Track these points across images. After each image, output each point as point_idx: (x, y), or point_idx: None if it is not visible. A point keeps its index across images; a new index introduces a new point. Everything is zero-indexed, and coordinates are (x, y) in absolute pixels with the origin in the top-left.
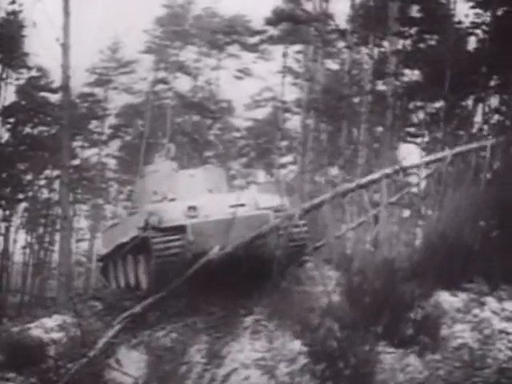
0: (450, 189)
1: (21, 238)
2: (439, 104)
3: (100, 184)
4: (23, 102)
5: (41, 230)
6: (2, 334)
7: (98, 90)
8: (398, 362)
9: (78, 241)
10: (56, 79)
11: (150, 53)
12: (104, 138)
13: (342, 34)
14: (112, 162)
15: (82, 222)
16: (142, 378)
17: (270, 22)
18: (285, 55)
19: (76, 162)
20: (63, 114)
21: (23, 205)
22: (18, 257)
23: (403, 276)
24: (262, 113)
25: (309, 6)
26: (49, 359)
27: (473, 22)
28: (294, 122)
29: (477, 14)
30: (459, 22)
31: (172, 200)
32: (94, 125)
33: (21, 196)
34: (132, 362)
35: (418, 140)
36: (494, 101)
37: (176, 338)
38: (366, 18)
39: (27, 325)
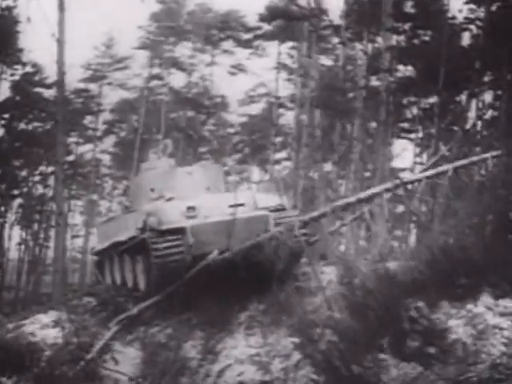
0: (452, 201)
1: (16, 235)
2: (433, 99)
3: (95, 180)
4: (18, 98)
5: (36, 226)
6: None
7: (92, 86)
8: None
9: (73, 237)
10: (51, 75)
11: (145, 49)
12: (98, 133)
13: (336, 29)
14: (106, 158)
15: (76, 218)
16: (137, 374)
17: (264, 18)
18: (279, 51)
19: (71, 157)
20: (58, 110)
21: (18, 201)
22: (13, 253)
23: (406, 289)
24: (256, 108)
25: (303, 2)
26: (42, 363)
27: (466, 18)
28: (288, 118)
29: (471, 10)
30: (453, 18)
31: (170, 199)
32: (88, 120)
33: (16, 192)
34: (127, 358)
35: (412, 135)
36: (488, 96)
37: (171, 334)
38: (360, 14)
39: (22, 321)
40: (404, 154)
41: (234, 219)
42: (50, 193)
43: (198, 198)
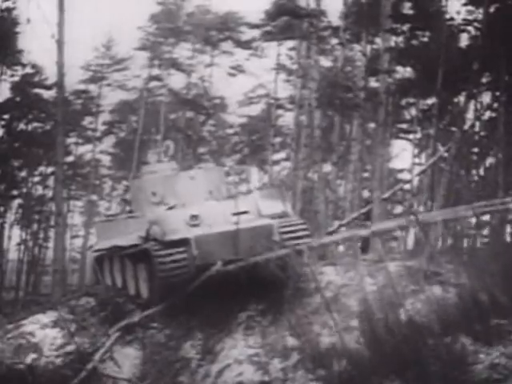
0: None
1: (15, 235)
2: (431, 100)
3: (94, 180)
4: (18, 99)
5: (35, 226)
6: None
7: (92, 87)
8: None
9: (73, 237)
10: (50, 76)
11: (144, 50)
12: (98, 134)
13: (335, 30)
14: (106, 159)
15: (76, 219)
16: (136, 374)
17: (270, 15)
18: (278, 52)
19: (70, 158)
20: (57, 111)
21: (17, 201)
22: (12, 254)
23: (431, 332)
24: (255, 109)
25: (302, 3)
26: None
27: (465, 19)
28: (287, 119)
29: (469, 11)
30: (451, 19)
31: (172, 208)
32: (88, 121)
33: (15, 192)
34: (127, 358)
35: (411, 136)
36: (486, 97)
37: (170, 335)
38: (358, 15)
39: (22, 321)
40: (403, 154)
41: (238, 229)
42: (50, 193)
43: (200, 206)
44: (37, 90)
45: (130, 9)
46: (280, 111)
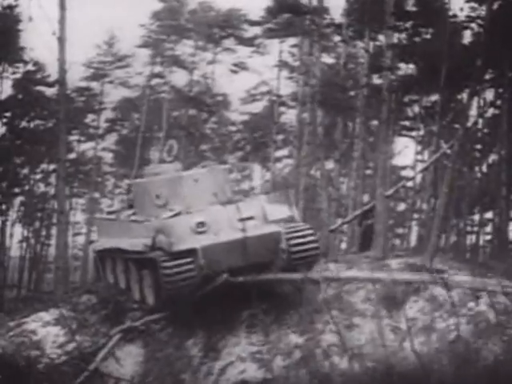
0: None
1: (17, 232)
2: (434, 97)
3: (96, 178)
4: (20, 96)
5: (37, 224)
6: None
7: (94, 84)
8: None
9: (75, 235)
10: (52, 73)
11: (146, 47)
12: (100, 131)
13: (338, 27)
14: (108, 156)
15: (78, 216)
16: (139, 372)
17: (271, 11)
18: (281, 49)
19: (72, 155)
20: (59, 108)
21: (20, 199)
22: (14, 251)
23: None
24: (257, 107)
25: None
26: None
27: (468, 16)
28: (289, 116)
29: (472, 8)
30: (454, 16)
31: (178, 214)
32: (90, 119)
33: (17, 190)
34: (129, 356)
35: (414, 133)
36: (489, 94)
37: (172, 332)
38: (361, 12)
39: (24, 319)
40: (405, 151)
41: (245, 238)
42: (52, 191)
43: (206, 212)
44: (39, 88)
45: (132, 6)
46: (282, 108)
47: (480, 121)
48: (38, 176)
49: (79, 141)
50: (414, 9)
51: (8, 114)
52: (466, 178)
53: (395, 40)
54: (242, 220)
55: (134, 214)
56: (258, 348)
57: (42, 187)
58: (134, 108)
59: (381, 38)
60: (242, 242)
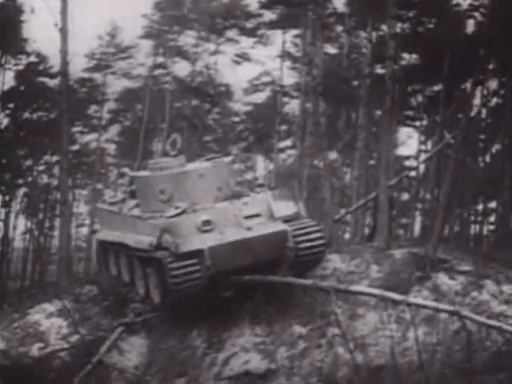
0: None
1: (20, 224)
2: (438, 87)
3: (99, 169)
4: (22, 88)
5: (40, 215)
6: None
7: (96, 75)
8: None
9: (78, 226)
10: (55, 64)
11: (149, 38)
12: (103, 123)
13: (340, 17)
14: (111, 147)
15: (81, 207)
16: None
17: (265, 5)
18: (283, 40)
19: (75, 147)
20: (62, 100)
21: (23, 190)
22: (17, 243)
23: None
24: (260, 97)
25: None
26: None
27: (471, 5)
28: (292, 106)
29: None
30: (457, 5)
31: (183, 212)
32: (92, 110)
33: (20, 181)
34: (133, 347)
35: (417, 123)
36: (493, 83)
37: (176, 323)
38: (364, 2)
39: (28, 310)
40: (409, 141)
41: (252, 237)
42: (55, 182)
43: (211, 209)
44: (41, 79)
45: None
46: (285, 99)
47: (483, 110)
48: (41, 167)
49: (82, 132)
50: None
51: (11, 106)
52: (470, 167)
53: (398, 29)
54: (248, 217)
55: (136, 205)
56: (261, 339)
57: (45, 178)
58: (136, 99)
59: (383, 27)
60: (249, 241)
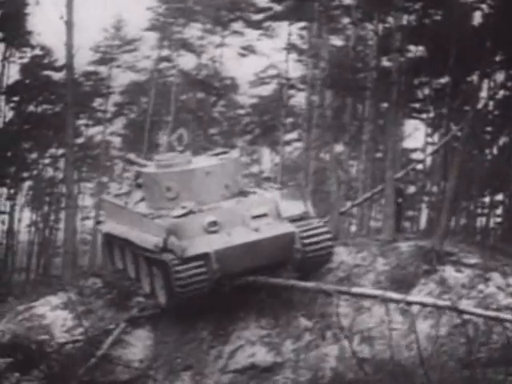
0: None
1: (26, 217)
2: (444, 80)
3: (104, 162)
4: (27, 81)
5: (46, 208)
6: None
7: (101, 68)
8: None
9: (83, 219)
10: (60, 58)
11: (154, 30)
12: (108, 115)
13: (347, 9)
14: (116, 140)
15: (86, 200)
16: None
17: None
18: (289, 32)
19: (80, 140)
20: (67, 93)
21: (28, 183)
22: (23, 235)
23: None
24: (266, 90)
25: None
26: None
27: None
28: (298, 99)
29: None
30: None
31: (189, 213)
32: (98, 103)
33: (25, 174)
34: (139, 340)
35: (424, 115)
36: (500, 76)
37: (181, 317)
38: None
39: (33, 303)
40: (415, 134)
41: (259, 239)
42: (60, 175)
43: (218, 209)
44: (46, 72)
45: None
46: (291, 91)
47: (490, 103)
48: (47, 160)
49: (87, 125)
50: None
51: (16, 99)
52: (477, 160)
53: (404, 22)
54: (255, 217)
55: (142, 199)
56: (267, 332)
57: (50, 172)
58: (141, 92)
59: (390, 19)
60: (256, 244)
